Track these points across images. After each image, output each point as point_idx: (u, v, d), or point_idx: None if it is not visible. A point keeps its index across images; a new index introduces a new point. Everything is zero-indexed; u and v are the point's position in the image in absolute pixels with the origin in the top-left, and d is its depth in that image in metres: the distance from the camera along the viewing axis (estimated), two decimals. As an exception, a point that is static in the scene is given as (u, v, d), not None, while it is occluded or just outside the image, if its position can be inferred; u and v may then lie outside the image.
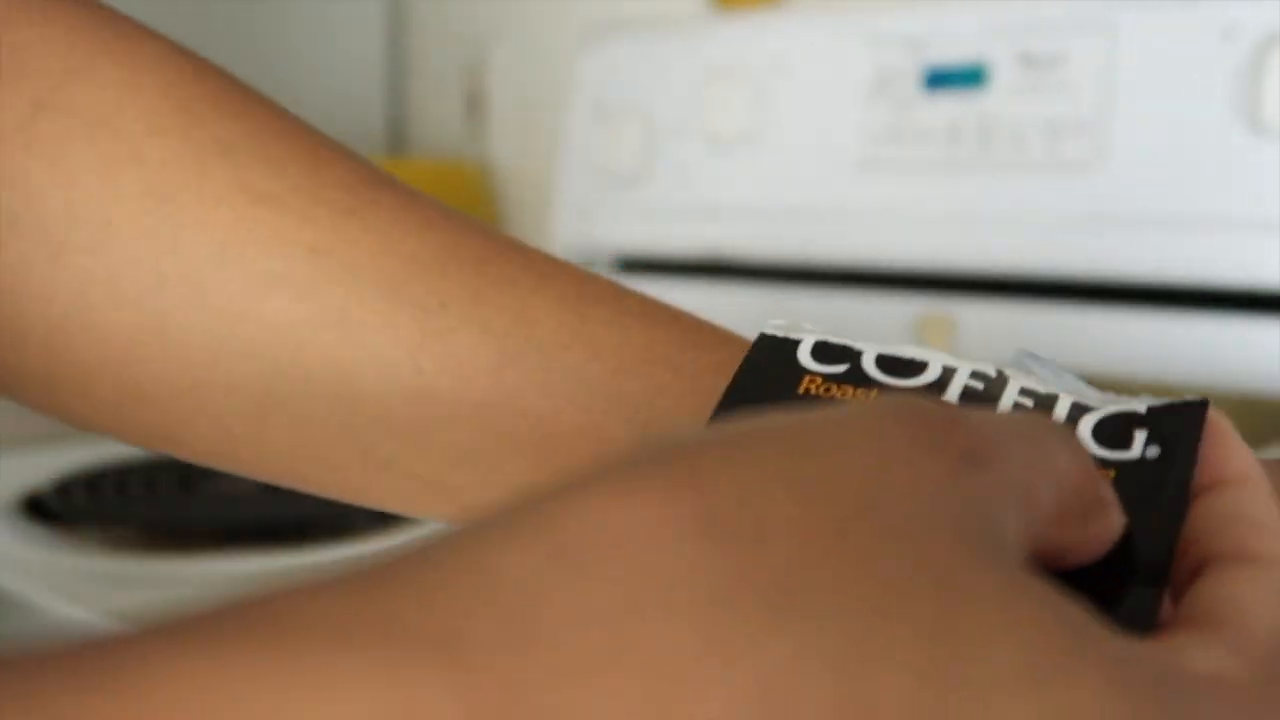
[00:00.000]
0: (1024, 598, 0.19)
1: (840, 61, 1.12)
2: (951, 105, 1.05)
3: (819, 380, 0.34)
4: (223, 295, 0.37)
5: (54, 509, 0.80)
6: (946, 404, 0.23)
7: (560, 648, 0.16)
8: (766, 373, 0.35)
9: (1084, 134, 0.98)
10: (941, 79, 1.06)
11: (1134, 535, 0.26)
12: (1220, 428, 0.30)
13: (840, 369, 0.35)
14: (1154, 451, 0.31)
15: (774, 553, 0.17)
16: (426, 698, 0.16)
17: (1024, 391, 0.34)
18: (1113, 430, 0.33)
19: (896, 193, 1.09)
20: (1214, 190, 0.93)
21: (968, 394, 0.34)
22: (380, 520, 0.78)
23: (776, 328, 0.36)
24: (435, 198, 0.41)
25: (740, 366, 0.35)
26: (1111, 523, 0.26)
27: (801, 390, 0.34)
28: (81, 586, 0.69)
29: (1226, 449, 0.30)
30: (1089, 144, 0.98)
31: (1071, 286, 1.00)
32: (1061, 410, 0.34)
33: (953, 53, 1.06)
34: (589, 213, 1.22)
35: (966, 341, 1.03)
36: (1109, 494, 0.26)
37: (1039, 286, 1.02)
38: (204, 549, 0.74)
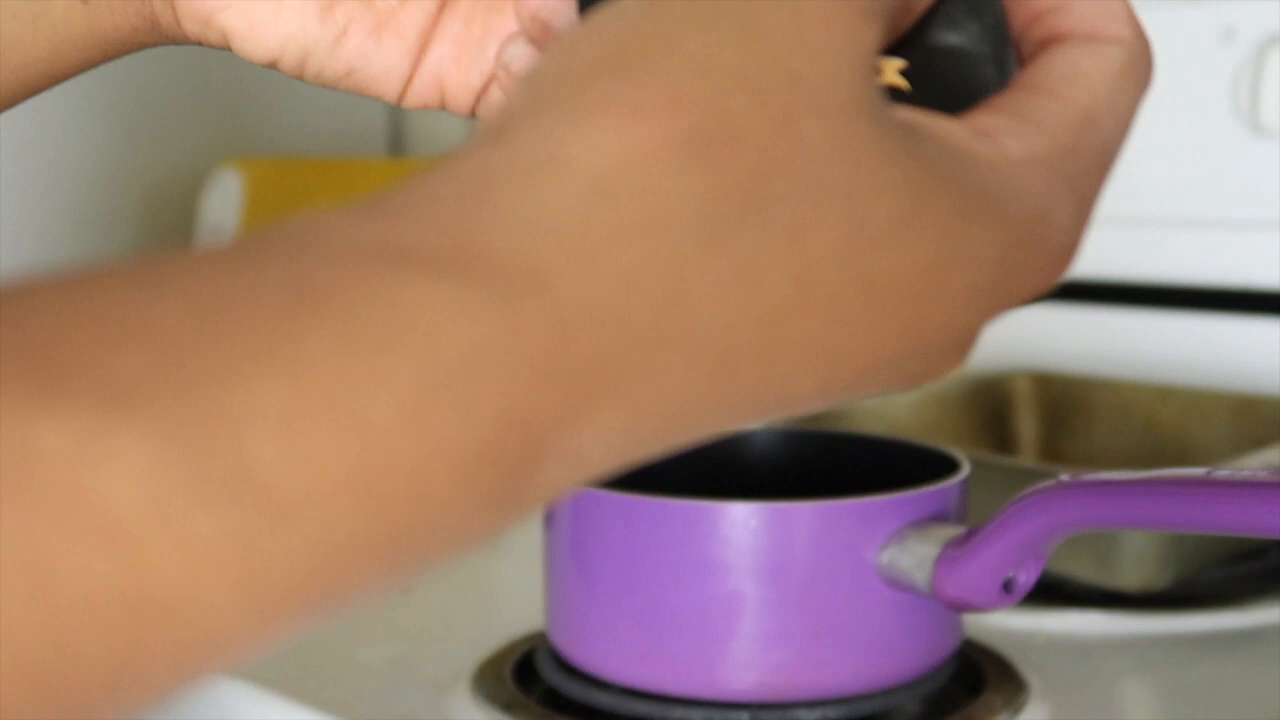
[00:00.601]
0: (903, 156, 0.24)
1: (840, 62, 1.12)
2: (951, 105, 1.05)
3: None
4: None
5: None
6: None
7: (612, 265, 0.21)
8: None
9: (1084, 134, 0.98)
10: (941, 79, 1.06)
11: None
12: None
13: None
14: None
15: (744, 162, 0.22)
16: (526, 324, 0.20)
17: None
18: None
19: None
20: (1214, 190, 0.93)
21: None
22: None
23: None
24: None
25: None
26: None
27: None
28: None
29: None
30: (1089, 144, 0.98)
31: (1071, 286, 1.00)
32: None
33: (953, 53, 1.06)
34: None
35: (966, 341, 1.03)
36: None
37: (1039, 286, 1.02)
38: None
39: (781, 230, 0.22)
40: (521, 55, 0.35)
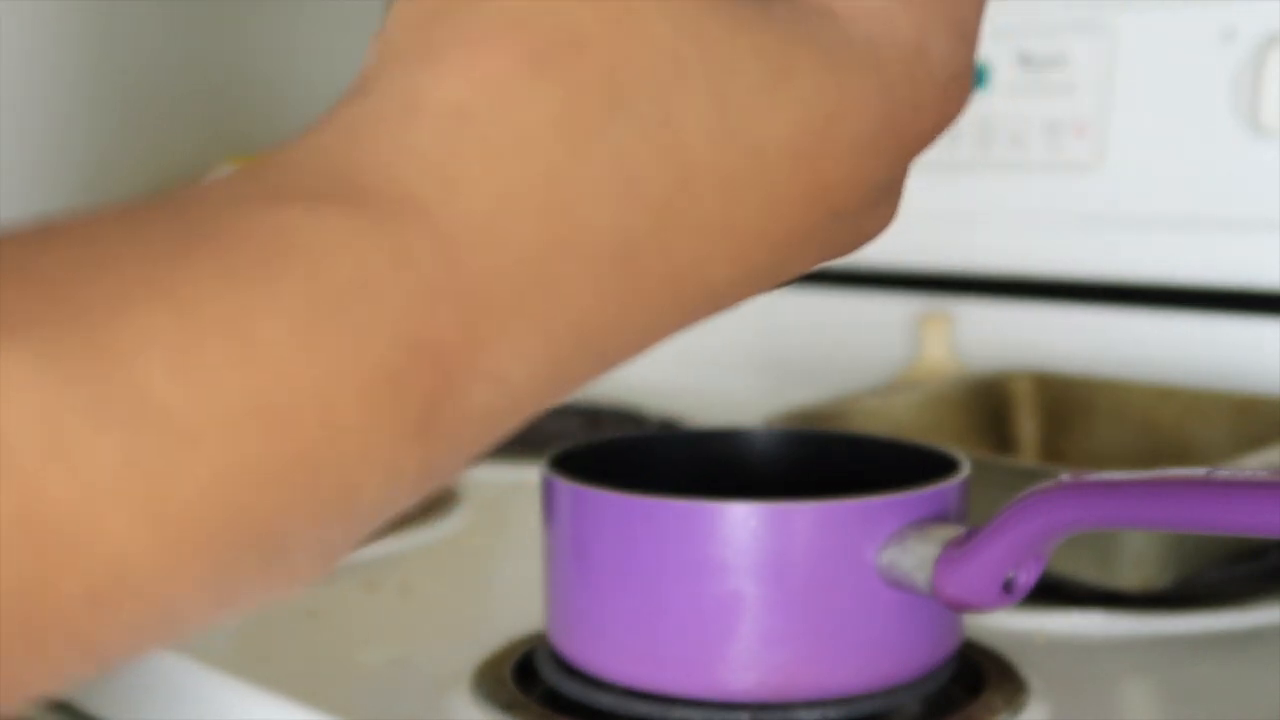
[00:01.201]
0: (755, 24, 0.24)
1: (840, 61, 1.12)
2: (951, 105, 1.05)
3: None
4: None
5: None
6: None
7: (487, 185, 0.22)
8: None
9: (1084, 134, 0.98)
10: (941, 79, 1.06)
11: None
12: None
13: None
14: None
15: (593, 64, 0.22)
16: (409, 248, 0.21)
17: None
18: None
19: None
20: (1214, 190, 0.93)
21: None
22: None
23: None
24: None
25: None
26: None
27: None
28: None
29: None
30: (1089, 144, 0.98)
31: (1071, 286, 1.00)
32: None
33: (953, 53, 1.06)
34: (589, 213, 1.22)
35: (966, 341, 1.03)
36: None
37: (1038, 286, 1.02)
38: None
39: (648, 121, 0.23)
40: None
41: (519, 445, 1.11)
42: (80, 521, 0.17)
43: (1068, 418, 0.88)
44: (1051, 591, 0.62)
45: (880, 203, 0.27)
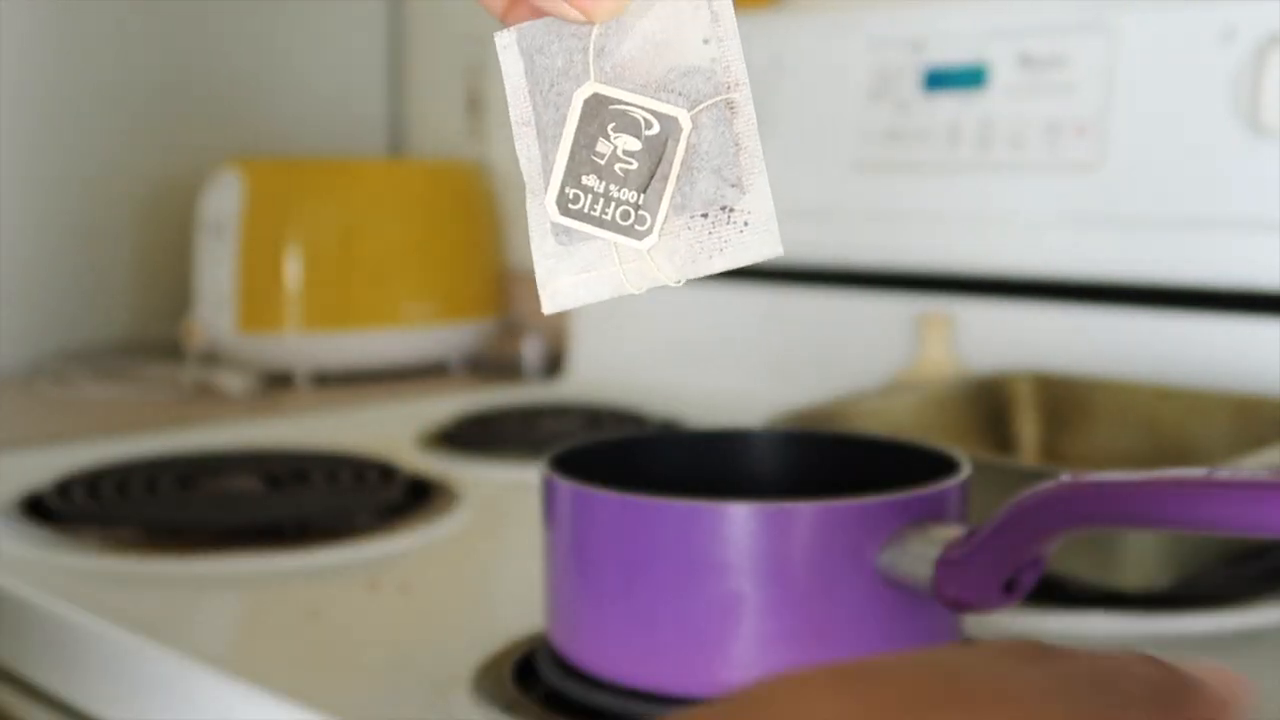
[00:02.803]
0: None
1: (840, 62, 1.12)
2: (951, 105, 1.05)
3: None
4: None
5: (54, 509, 0.80)
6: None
7: None
8: None
9: (1084, 134, 0.98)
10: (941, 79, 1.06)
11: None
12: None
13: None
14: None
15: None
16: None
17: None
18: None
19: (896, 193, 1.09)
20: (1214, 190, 0.93)
21: None
22: (381, 520, 0.78)
23: None
24: None
25: None
26: None
27: None
28: (81, 586, 0.69)
29: None
30: (1089, 144, 0.98)
31: (1071, 286, 1.00)
32: None
33: (953, 53, 1.06)
34: (589, 213, 1.22)
35: (967, 341, 1.03)
36: None
37: (1038, 286, 1.02)
38: (204, 549, 0.74)
39: None
40: None
41: (519, 445, 1.10)
42: None
43: (1068, 418, 0.88)
44: (1051, 591, 0.62)
45: None
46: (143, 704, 0.62)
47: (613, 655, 0.51)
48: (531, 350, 1.36)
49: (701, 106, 0.36)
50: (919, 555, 0.48)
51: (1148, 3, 0.96)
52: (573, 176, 0.36)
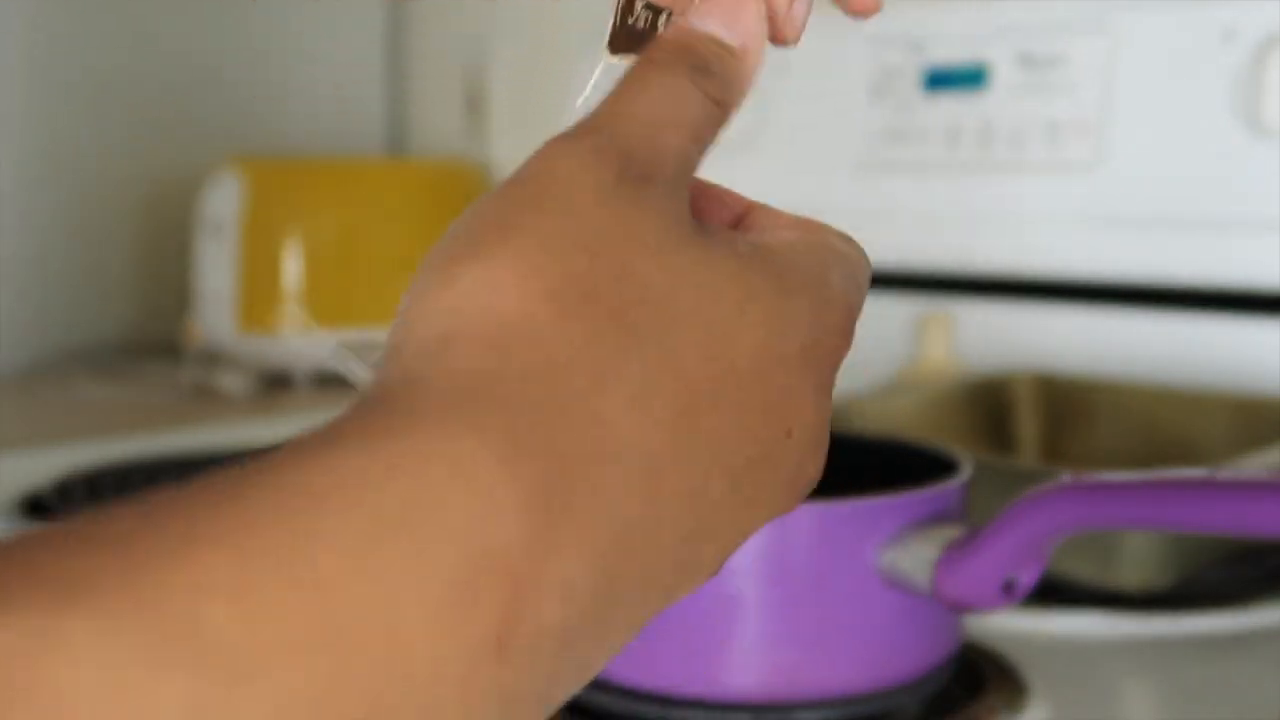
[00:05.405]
0: (724, 259, 0.28)
1: (840, 61, 1.12)
2: (951, 105, 1.05)
3: None
4: None
5: (54, 509, 0.80)
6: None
7: (524, 399, 0.23)
8: None
9: (1084, 134, 0.98)
10: (941, 79, 1.06)
11: None
12: None
13: None
14: None
15: (604, 309, 0.25)
16: (464, 454, 0.22)
17: None
18: None
19: (896, 193, 1.09)
20: (1214, 190, 0.93)
21: None
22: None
23: None
24: None
25: None
26: None
27: None
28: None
29: None
30: (1089, 144, 0.98)
31: (1071, 286, 1.00)
32: None
33: (953, 53, 1.06)
34: (589, 213, 1.22)
35: (966, 341, 1.03)
36: None
37: (1038, 286, 1.02)
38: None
39: (657, 350, 0.26)
40: None
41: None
42: None
43: (1068, 418, 0.88)
44: (1051, 591, 0.62)
45: (811, 435, 0.30)
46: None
47: (613, 655, 0.51)
48: (531, 350, 1.36)
49: None
50: (919, 555, 0.48)
51: (1148, 3, 0.96)
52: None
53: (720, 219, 0.32)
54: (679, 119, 0.29)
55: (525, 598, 0.21)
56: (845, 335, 0.31)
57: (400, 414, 0.22)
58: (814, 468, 0.31)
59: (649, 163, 0.28)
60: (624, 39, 0.34)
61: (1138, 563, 0.62)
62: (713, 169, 0.32)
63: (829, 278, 0.30)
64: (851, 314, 0.32)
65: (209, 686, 0.18)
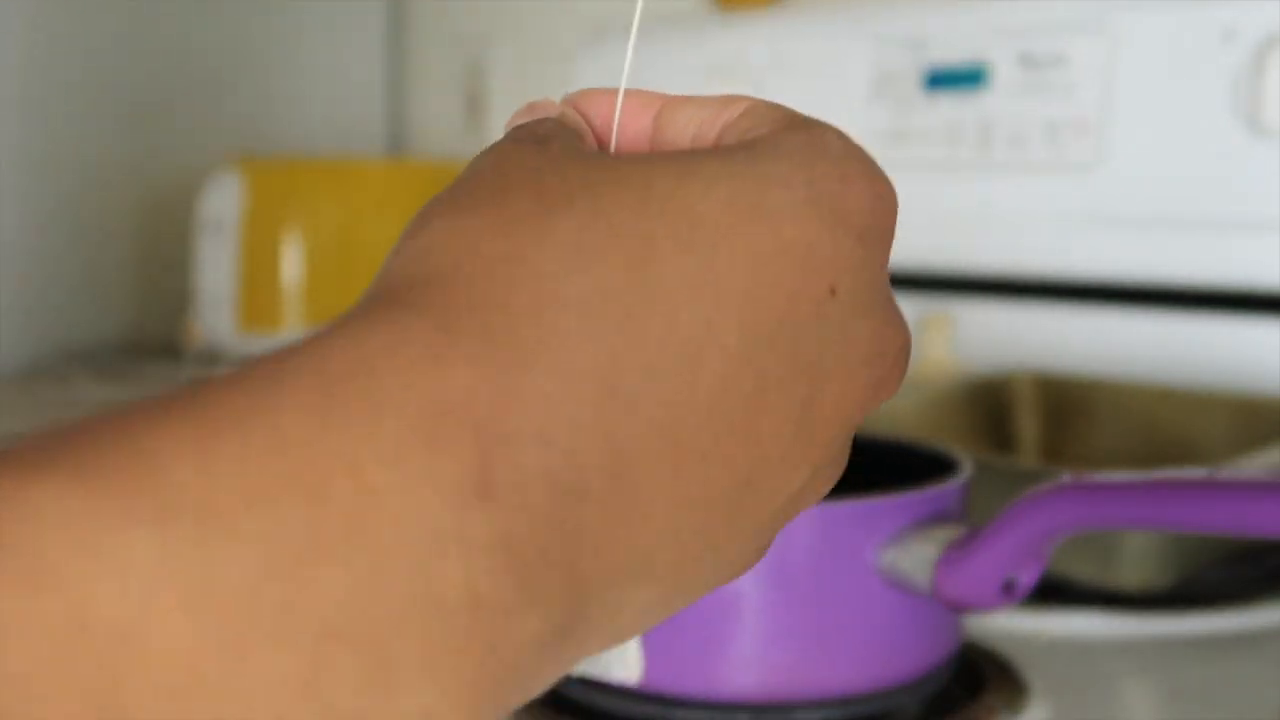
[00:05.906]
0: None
1: (840, 61, 1.12)
2: (951, 105, 1.05)
3: None
4: None
5: (54, 509, 0.80)
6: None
7: (468, 275, 0.24)
8: None
9: (1084, 134, 0.98)
10: (941, 79, 1.06)
11: None
12: None
13: None
14: None
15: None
16: (405, 324, 0.22)
17: None
18: None
19: (897, 193, 1.08)
20: (1214, 190, 0.93)
21: None
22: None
23: None
24: None
25: None
26: None
27: None
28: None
29: None
30: (1089, 144, 0.98)
31: (1071, 286, 1.00)
32: None
33: (953, 53, 1.06)
34: (589, 213, 1.22)
35: (966, 341, 1.03)
36: None
37: (1038, 286, 1.02)
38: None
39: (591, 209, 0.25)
40: None
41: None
42: (132, 622, 0.18)
43: (1068, 418, 0.88)
44: (1051, 591, 0.62)
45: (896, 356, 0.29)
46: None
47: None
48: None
49: None
50: (919, 555, 0.48)
51: (1148, 3, 0.96)
52: None
53: (636, 127, 0.32)
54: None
55: (491, 440, 0.21)
56: (881, 195, 0.31)
57: (346, 316, 0.23)
58: (895, 381, 0.30)
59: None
60: None
61: (1138, 563, 0.62)
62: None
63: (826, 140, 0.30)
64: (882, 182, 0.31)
65: (177, 541, 0.18)
